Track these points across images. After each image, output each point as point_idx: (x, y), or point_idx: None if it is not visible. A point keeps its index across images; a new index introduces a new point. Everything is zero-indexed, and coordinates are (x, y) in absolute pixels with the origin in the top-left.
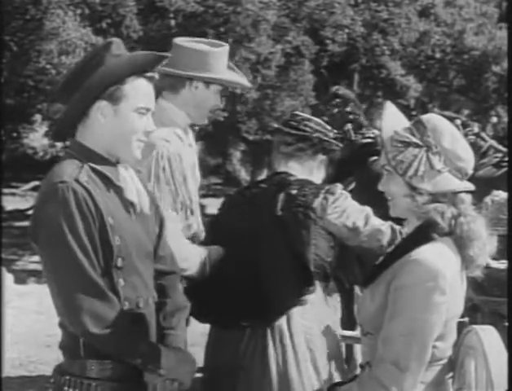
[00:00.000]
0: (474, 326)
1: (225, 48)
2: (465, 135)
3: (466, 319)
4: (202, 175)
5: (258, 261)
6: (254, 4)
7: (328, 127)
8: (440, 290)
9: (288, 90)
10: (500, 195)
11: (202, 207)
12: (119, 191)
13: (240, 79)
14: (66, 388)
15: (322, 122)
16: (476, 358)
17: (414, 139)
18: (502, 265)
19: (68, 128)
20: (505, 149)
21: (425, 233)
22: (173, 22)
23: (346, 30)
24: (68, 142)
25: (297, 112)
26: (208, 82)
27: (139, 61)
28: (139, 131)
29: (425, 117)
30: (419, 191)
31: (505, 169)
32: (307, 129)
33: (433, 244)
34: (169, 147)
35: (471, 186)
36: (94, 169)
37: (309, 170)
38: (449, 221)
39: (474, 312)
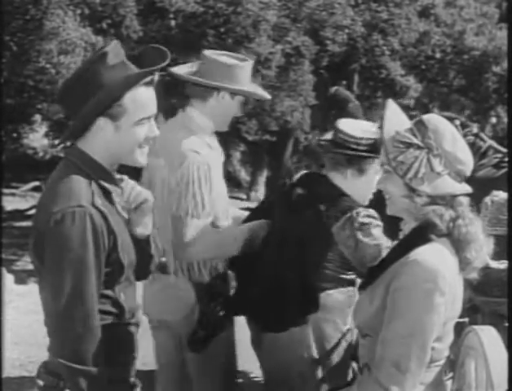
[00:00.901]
0: (475, 326)
1: (250, 62)
2: (465, 136)
3: (466, 320)
4: None
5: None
6: (254, 4)
7: (360, 135)
8: (440, 291)
9: (288, 90)
10: (500, 195)
11: None
12: (116, 206)
13: (262, 92)
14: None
15: (353, 132)
16: (476, 359)
17: (415, 140)
18: (502, 265)
19: (71, 139)
20: (504, 149)
21: (423, 234)
22: (173, 22)
23: (346, 30)
24: (67, 148)
25: (340, 127)
26: (234, 93)
27: (134, 80)
28: (141, 140)
29: (426, 118)
30: (418, 192)
31: (504, 170)
32: (340, 141)
33: (431, 245)
34: (199, 158)
35: (469, 189)
36: (100, 186)
37: (345, 180)
38: (447, 224)
39: (474, 312)
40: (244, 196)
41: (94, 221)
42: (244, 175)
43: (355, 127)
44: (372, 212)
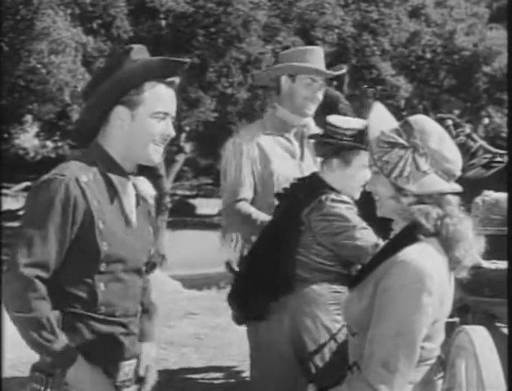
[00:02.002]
0: (465, 326)
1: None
2: (457, 136)
3: (457, 320)
4: (193, 175)
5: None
6: (245, 4)
7: (345, 126)
8: (427, 291)
9: None
10: (491, 195)
11: (193, 207)
12: (122, 203)
13: None
14: (36, 385)
15: (339, 124)
16: (467, 359)
17: (400, 140)
18: (493, 265)
19: (89, 131)
20: (495, 150)
21: (411, 234)
22: (163, 22)
23: (337, 30)
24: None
25: (329, 120)
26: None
27: (153, 66)
28: (156, 135)
29: (412, 118)
30: (404, 192)
31: (494, 170)
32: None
33: (419, 245)
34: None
35: (458, 188)
36: (105, 176)
37: (333, 173)
38: (434, 222)
39: (465, 312)
40: None
41: (68, 192)
42: None
43: (344, 120)
44: (344, 197)
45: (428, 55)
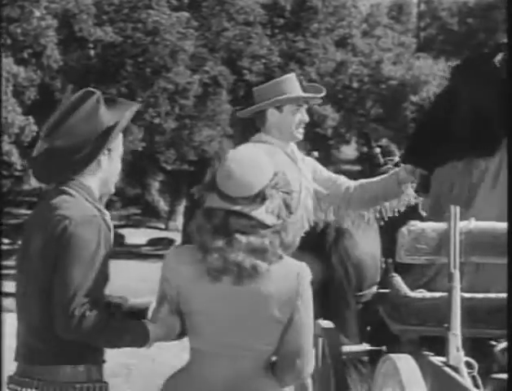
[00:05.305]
0: (391, 355)
1: None
2: (384, 164)
3: (384, 348)
4: (121, 205)
5: None
6: (172, 34)
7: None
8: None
9: (206, 119)
10: (417, 224)
11: (121, 236)
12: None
13: None
14: None
15: None
16: (393, 387)
17: None
18: (420, 294)
19: (74, 172)
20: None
21: None
22: (92, 52)
23: (263, 60)
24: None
25: None
26: None
27: (128, 119)
28: (118, 172)
29: None
30: None
31: (418, 200)
32: None
33: None
34: None
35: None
36: (93, 205)
37: None
38: None
39: (391, 341)
40: (163, 226)
41: (104, 228)
42: (163, 205)
43: None
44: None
45: (355, 85)
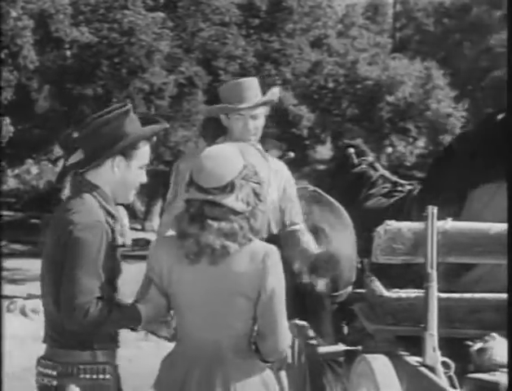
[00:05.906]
0: (366, 355)
1: None
2: (359, 164)
3: (359, 348)
4: None
5: None
6: (148, 35)
7: None
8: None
9: (181, 120)
10: (393, 224)
11: None
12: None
13: None
14: (82, 375)
15: None
16: (368, 387)
17: None
18: (395, 294)
19: (82, 167)
20: (395, 179)
21: None
22: (68, 52)
23: (239, 61)
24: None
25: None
26: None
27: (149, 134)
28: (138, 183)
29: None
30: None
31: (394, 199)
32: None
33: None
34: None
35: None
36: (104, 208)
37: None
38: None
39: (367, 341)
40: (139, 226)
41: (106, 233)
42: (139, 206)
43: None
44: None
45: (330, 85)
